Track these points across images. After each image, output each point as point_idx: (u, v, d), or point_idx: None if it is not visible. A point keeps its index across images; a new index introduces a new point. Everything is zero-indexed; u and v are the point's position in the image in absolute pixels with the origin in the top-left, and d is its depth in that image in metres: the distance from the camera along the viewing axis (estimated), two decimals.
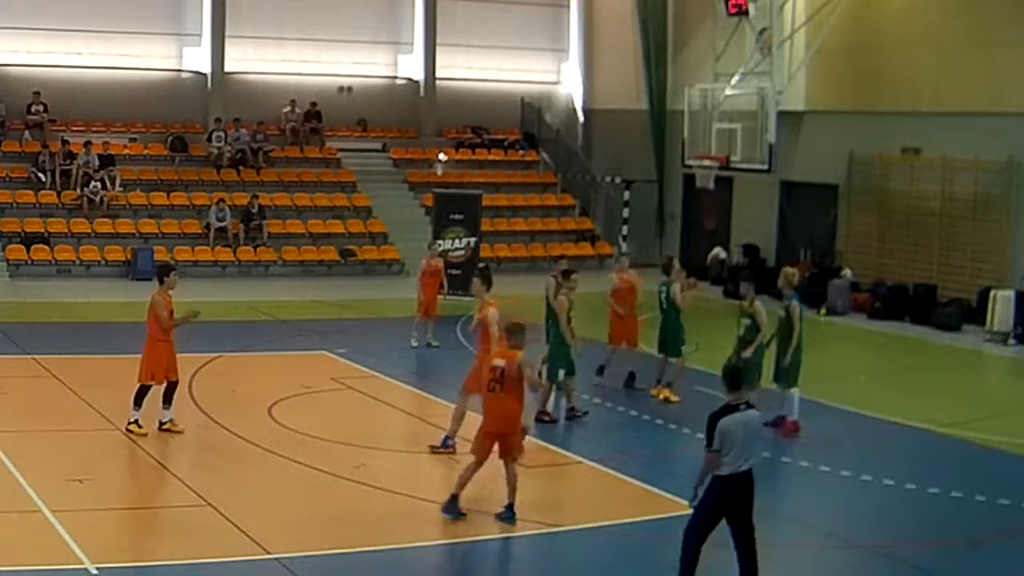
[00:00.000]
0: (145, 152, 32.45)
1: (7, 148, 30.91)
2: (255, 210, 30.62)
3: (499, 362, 12.20)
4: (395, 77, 36.19)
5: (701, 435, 15.79)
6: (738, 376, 10.35)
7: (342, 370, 19.41)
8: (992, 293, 24.73)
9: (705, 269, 30.39)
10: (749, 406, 10.26)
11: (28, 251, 28.47)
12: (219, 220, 30.29)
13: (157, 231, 30.19)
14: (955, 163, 26.46)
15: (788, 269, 16.99)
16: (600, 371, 18.77)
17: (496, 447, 12.15)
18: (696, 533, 10.18)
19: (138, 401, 15.03)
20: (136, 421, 14.97)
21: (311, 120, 34.20)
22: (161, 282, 15.25)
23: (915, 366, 22.82)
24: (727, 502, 10.08)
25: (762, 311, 16.33)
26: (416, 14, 35.84)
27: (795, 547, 12.39)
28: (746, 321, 16.42)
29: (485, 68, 36.91)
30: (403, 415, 17.38)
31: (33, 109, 31.40)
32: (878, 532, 12.70)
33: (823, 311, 27.47)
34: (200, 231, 30.39)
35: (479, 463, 12.19)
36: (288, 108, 33.84)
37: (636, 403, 17.89)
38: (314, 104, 34.10)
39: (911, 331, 25.75)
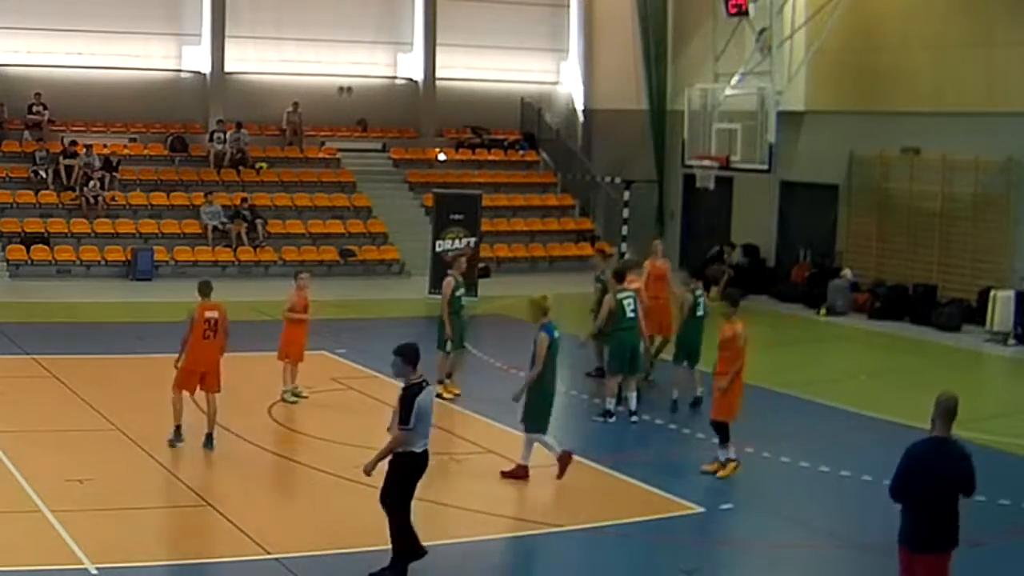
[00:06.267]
0: (145, 152, 32.45)
1: (7, 148, 30.91)
2: (245, 210, 30.61)
3: (212, 314, 14.57)
4: (395, 77, 36.19)
5: (702, 435, 15.97)
6: None
7: (342, 370, 19.41)
8: (992, 293, 24.72)
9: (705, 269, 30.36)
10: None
11: (28, 251, 28.46)
12: (209, 218, 30.30)
13: (157, 231, 30.19)
14: (955, 163, 26.45)
15: (535, 297, 14.23)
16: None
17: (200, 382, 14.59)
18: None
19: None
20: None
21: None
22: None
23: (915, 366, 22.80)
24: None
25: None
26: (416, 14, 35.83)
27: (796, 547, 12.41)
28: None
29: (485, 68, 36.90)
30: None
31: (34, 109, 31.40)
32: (878, 532, 12.66)
33: (823, 311, 27.51)
34: (200, 231, 30.39)
35: (180, 394, 14.62)
36: (291, 109, 33.84)
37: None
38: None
39: (911, 331, 25.73)
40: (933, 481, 8.79)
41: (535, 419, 13.91)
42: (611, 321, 16.85)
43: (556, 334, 13.90)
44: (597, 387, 18.43)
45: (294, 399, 17.27)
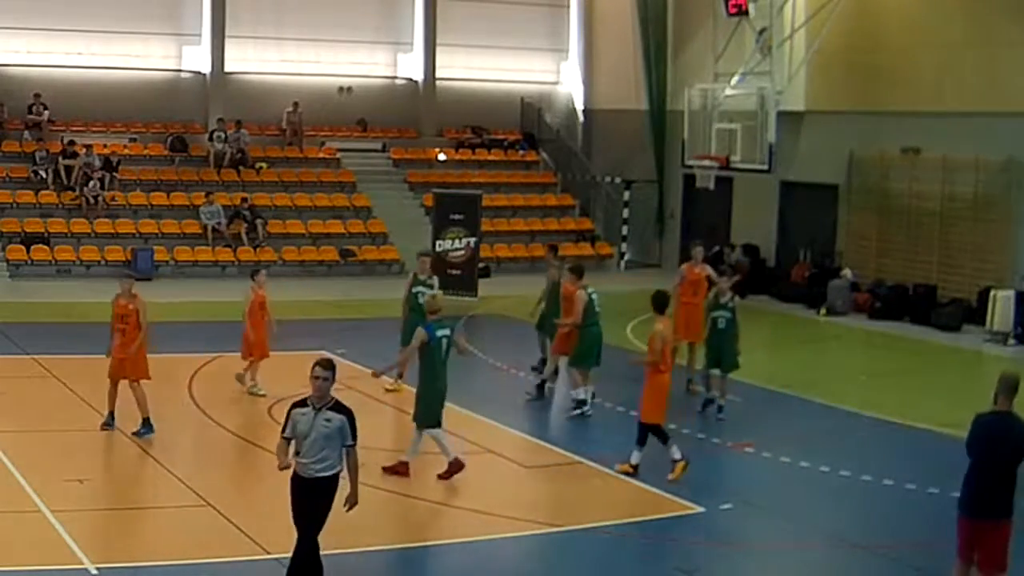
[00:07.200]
0: (145, 152, 32.45)
1: (7, 148, 30.91)
2: (245, 210, 30.61)
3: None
4: (395, 77, 36.19)
5: (702, 436, 15.98)
6: None
7: (342, 370, 19.05)
8: (992, 293, 24.72)
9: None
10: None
11: (28, 251, 28.46)
12: (208, 218, 30.31)
13: (157, 231, 30.19)
14: (955, 163, 26.45)
15: (427, 296, 15.01)
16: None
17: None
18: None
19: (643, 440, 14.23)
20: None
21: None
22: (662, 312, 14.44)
23: (915, 366, 22.81)
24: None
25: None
26: (416, 14, 35.83)
27: (796, 547, 12.40)
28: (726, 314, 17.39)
29: (485, 68, 36.90)
30: (403, 415, 17.36)
31: (34, 109, 31.40)
32: (878, 532, 12.70)
33: (823, 311, 27.50)
34: (200, 231, 30.39)
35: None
36: (291, 109, 33.85)
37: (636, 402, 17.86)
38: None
39: (911, 331, 25.73)
40: (993, 450, 9.55)
41: (427, 414, 13.91)
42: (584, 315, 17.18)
43: (439, 333, 13.89)
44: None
45: (262, 393, 17.52)
